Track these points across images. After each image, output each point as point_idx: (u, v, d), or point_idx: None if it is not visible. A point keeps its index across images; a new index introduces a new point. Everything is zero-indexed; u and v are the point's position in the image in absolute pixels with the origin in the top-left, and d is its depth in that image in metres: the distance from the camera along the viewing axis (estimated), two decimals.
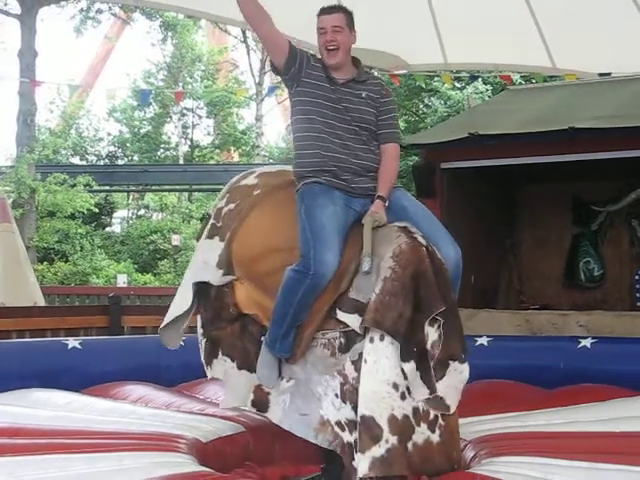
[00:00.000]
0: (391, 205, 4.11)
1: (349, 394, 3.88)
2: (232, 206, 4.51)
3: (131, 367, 6.12)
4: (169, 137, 32.62)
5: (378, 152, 4.22)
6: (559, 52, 7.42)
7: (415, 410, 3.77)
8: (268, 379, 4.20)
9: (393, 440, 3.68)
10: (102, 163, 30.35)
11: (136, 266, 22.21)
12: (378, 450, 3.66)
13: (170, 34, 29.86)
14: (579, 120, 7.25)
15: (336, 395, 3.95)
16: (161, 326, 4.66)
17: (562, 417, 4.84)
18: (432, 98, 19.89)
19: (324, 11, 4.24)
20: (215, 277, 4.40)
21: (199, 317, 4.56)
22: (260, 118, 27.35)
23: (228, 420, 4.79)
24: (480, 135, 7.47)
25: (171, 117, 31.61)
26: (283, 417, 4.18)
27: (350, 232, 4.03)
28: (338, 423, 3.92)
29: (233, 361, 4.42)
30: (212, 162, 31.16)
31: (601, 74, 8.13)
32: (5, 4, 21.69)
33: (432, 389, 3.77)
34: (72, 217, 21.50)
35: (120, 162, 30.92)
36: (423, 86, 18.56)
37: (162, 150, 32.55)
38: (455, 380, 3.86)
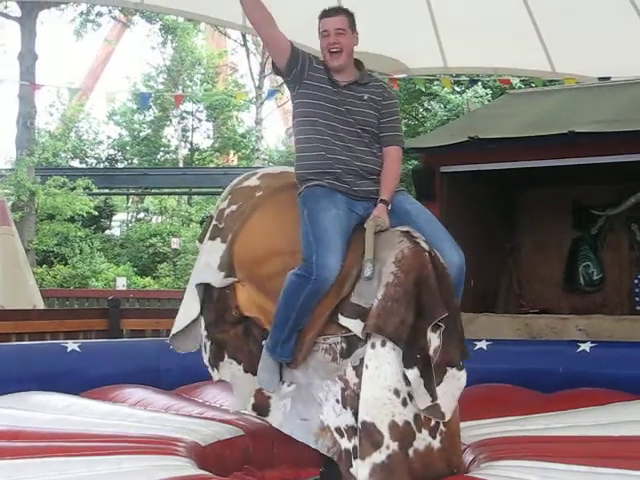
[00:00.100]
0: (394, 209, 4.09)
1: (350, 400, 3.86)
2: (234, 207, 4.49)
3: (130, 370, 6.11)
4: (169, 140, 32.61)
5: (380, 155, 4.20)
6: (558, 56, 7.41)
7: (416, 416, 3.75)
8: (269, 383, 4.18)
9: (394, 446, 3.66)
10: (102, 166, 30.33)
11: (135, 269, 22.20)
12: (379, 456, 3.65)
13: (170, 37, 29.84)
14: (579, 124, 7.26)
15: (337, 400, 3.93)
16: (170, 335, 4.66)
17: (561, 421, 4.84)
18: (432, 102, 19.88)
19: (326, 13, 4.23)
20: (217, 279, 4.39)
21: (202, 319, 4.55)
22: (260, 121, 27.37)
23: (227, 423, 4.79)
24: (480, 139, 7.48)
25: (171, 120, 31.58)
26: (284, 421, 4.17)
27: (352, 236, 4.01)
28: (337, 429, 3.91)
29: (239, 364, 4.40)
30: (212, 165, 31.16)
31: (601, 78, 8.13)
32: (5, 7, 21.71)
33: (434, 397, 3.74)
34: (72, 220, 21.51)
35: (120, 165, 30.90)
36: (423, 90, 18.58)
37: (162, 153, 32.53)
38: (452, 387, 3.84)
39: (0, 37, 28.40)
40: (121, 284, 18.61)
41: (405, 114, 21.51)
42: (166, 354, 6.27)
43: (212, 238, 4.53)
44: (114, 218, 27.27)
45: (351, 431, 3.82)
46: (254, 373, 4.28)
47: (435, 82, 16.49)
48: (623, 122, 7.19)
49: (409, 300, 3.73)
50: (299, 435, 4.09)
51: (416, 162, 8.61)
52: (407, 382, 3.73)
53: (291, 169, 4.47)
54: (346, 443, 3.85)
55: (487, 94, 18.63)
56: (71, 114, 30.93)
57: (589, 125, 7.23)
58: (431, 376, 3.72)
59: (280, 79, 4.69)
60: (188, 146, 31.99)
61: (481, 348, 6.20)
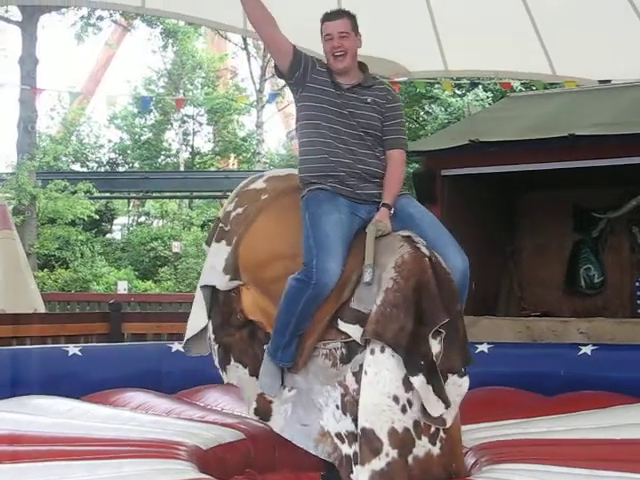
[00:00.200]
0: (397, 212, 4.07)
1: (350, 406, 3.84)
2: (240, 210, 4.48)
3: (131, 374, 6.10)
4: (170, 144, 32.61)
5: (383, 158, 4.17)
6: (559, 59, 7.42)
7: (416, 423, 3.72)
8: (270, 388, 4.18)
9: (393, 454, 3.63)
10: (103, 170, 30.33)
11: (136, 273, 22.19)
12: (378, 463, 3.62)
13: (171, 41, 29.89)
14: (579, 127, 7.25)
15: (337, 406, 3.92)
16: (183, 342, 4.65)
17: (563, 424, 4.83)
18: (432, 105, 19.88)
19: (328, 17, 4.21)
20: (222, 282, 4.39)
21: (210, 322, 4.54)
22: (261, 125, 27.36)
23: (228, 427, 4.78)
24: (480, 142, 7.47)
25: (172, 124, 31.61)
26: (285, 426, 4.17)
27: (354, 240, 3.98)
28: (338, 435, 3.90)
29: (245, 367, 4.40)
30: (213, 169, 31.16)
31: (601, 81, 8.13)
32: (6, 11, 21.72)
33: (447, 402, 3.70)
34: (72, 224, 21.50)
35: (121, 169, 30.92)
36: (423, 93, 18.59)
37: (163, 157, 32.53)
38: (453, 394, 3.81)
39: (1, 41, 28.33)
40: (122, 288, 18.59)
41: (406, 117, 21.40)
42: (167, 358, 6.28)
43: (218, 240, 4.53)
44: (115, 222, 27.27)
45: (351, 437, 3.80)
46: (258, 377, 4.28)
47: (436, 85, 16.48)
48: (623, 125, 7.19)
49: (408, 306, 3.70)
50: (299, 441, 4.09)
51: (417, 165, 8.60)
52: (407, 389, 3.70)
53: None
54: (347, 449, 3.84)
55: (488, 97, 18.64)
56: (72, 118, 30.94)
57: (589, 128, 7.22)
58: (439, 382, 3.68)
59: (281, 82, 4.69)
60: (189, 150, 32.03)
61: (482, 351, 6.20)
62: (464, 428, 4.26)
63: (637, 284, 8.93)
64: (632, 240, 9.37)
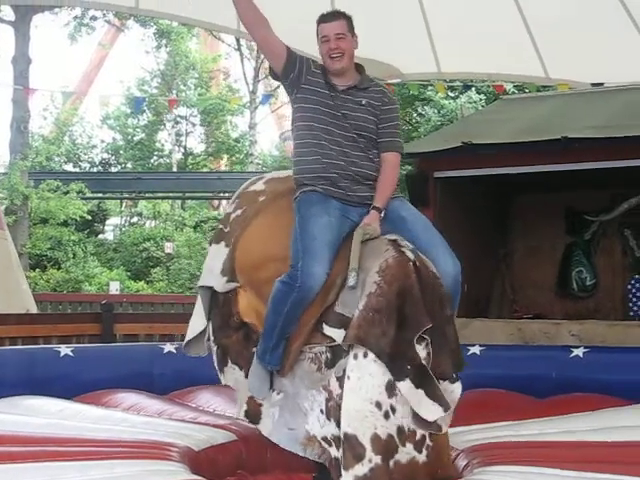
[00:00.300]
0: (389, 215, 4.05)
1: (333, 411, 3.82)
2: (239, 212, 4.50)
3: (123, 375, 6.09)
4: (162, 145, 32.61)
5: (377, 160, 4.14)
6: (552, 62, 7.43)
7: (400, 429, 3.67)
8: (259, 391, 4.17)
9: (376, 460, 3.60)
10: (95, 170, 30.28)
11: (129, 273, 22.16)
12: (361, 469, 3.59)
13: (164, 42, 29.88)
14: (572, 130, 7.27)
15: (321, 411, 3.91)
16: (184, 343, 4.64)
17: (554, 426, 4.84)
18: (426, 107, 19.88)
19: (324, 19, 4.18)
20: (219, 284, 4.40)
21: (210, 324, 4.54)
22: (254, 126, 27.39)
23: (220, 428, 4.78)
24: (473, 144, 7.48)
25: (165, 125, 31.60)
26: (272, 430, 4.18)
27: (343, 244, 3.95)
28: (324, 439, 3.89)
29: (241, 369, 4.39)
30: (205, 170, 31.15)
31: (594, 84, 8.15)
32: None
33: (445, 405, 3.66)
34: (65, 224, 21.48)
35: (113, 169, 30.89)
36: (416, 95, 18.59)
37: (155, 157, 32.51)
38: None
39: None
40: (114, 288, 18.57)
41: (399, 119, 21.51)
42: (159, 359, 6.28)
43: (217, 242, 4.54)
44: (107, 222, 27.23)
45: (338, 440, 3.77)
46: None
47: (429, 87, 16.49)
48: (616, 128, 7.21)
49: (391, 311, 3.66)
50: (287, 444, 4.09)
51: (410, 167, 8.60)
52: (390, 394, 3.65)
53: None
54: (335, 451, 3.83)
55: (481, 100, 18.65)
56: (65, 118, 30.88)
57: (582, 131, 7.25)
58: (433, 385, 3.64)
59: (274, 83, 4.69)
60: (182, 150, 32.01)
61: (474, 353, 6.21)
62: (456, 430, 4.27)
63: (629, 287, 8.95)
64: (624, 243, 9.40)
